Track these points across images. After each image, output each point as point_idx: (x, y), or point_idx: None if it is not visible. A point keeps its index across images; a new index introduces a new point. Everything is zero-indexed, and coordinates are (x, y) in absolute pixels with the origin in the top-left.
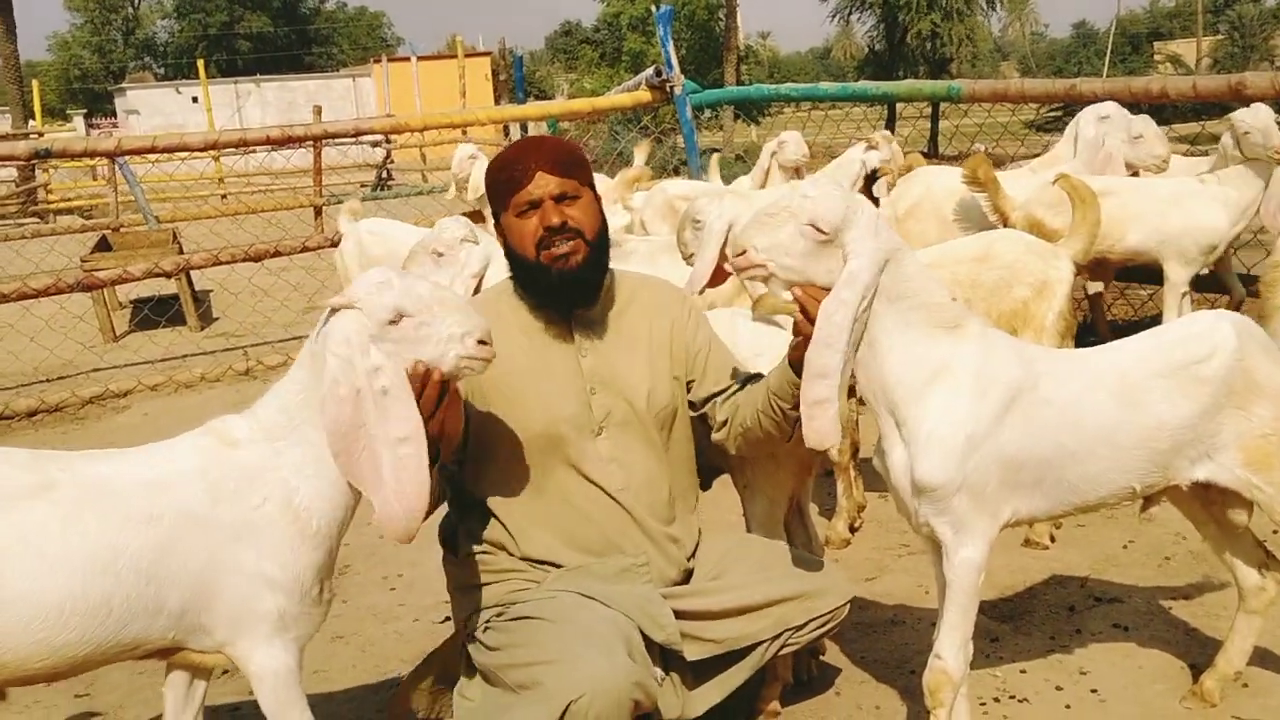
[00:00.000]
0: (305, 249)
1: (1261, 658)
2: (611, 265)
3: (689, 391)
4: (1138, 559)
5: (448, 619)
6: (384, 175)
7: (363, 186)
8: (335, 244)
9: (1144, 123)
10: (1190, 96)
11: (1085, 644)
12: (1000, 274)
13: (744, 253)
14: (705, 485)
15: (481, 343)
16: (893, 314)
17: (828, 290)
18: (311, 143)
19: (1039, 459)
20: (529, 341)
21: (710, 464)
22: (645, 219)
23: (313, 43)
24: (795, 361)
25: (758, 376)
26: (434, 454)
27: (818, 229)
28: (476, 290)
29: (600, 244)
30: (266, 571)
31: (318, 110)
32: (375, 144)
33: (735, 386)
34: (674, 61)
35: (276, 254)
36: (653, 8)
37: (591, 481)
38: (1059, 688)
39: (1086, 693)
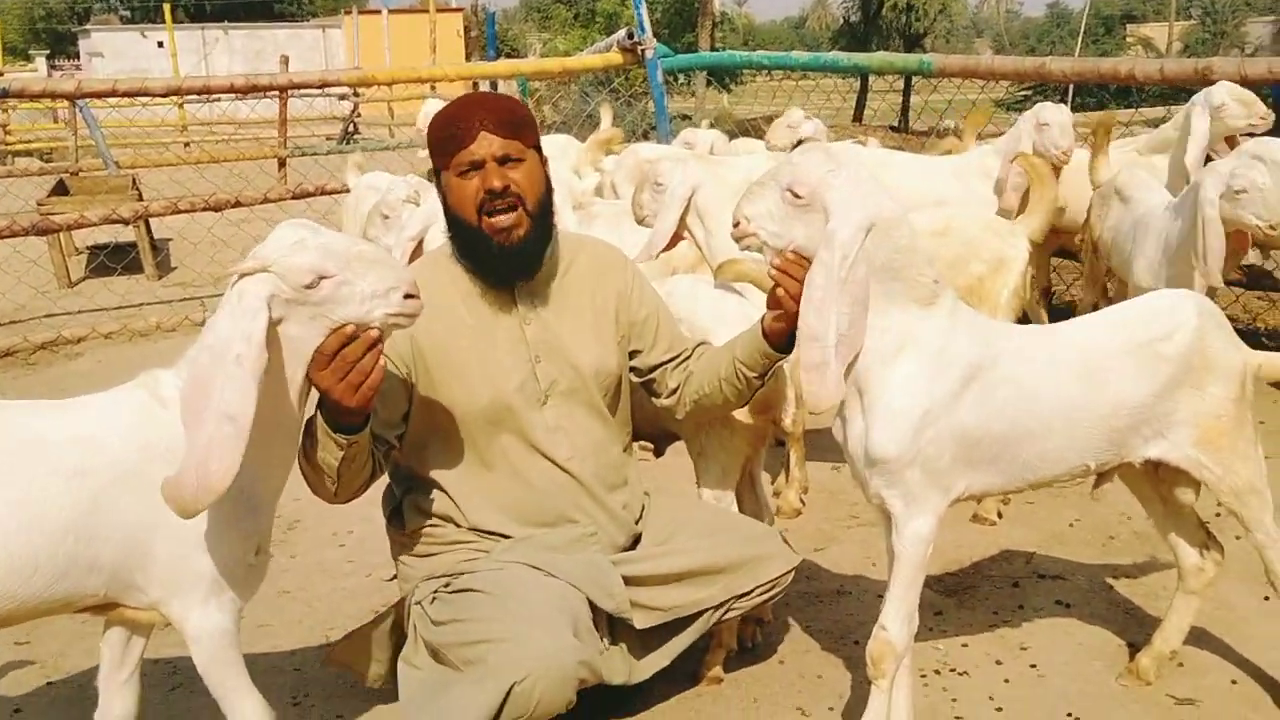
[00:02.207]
0: (267, 200)
1: (1197, 638)
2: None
3: (634, 358)
4: (1083, 537)
5: (395, 577)
6: (350, 129)
7: (328, 139)
8: (298, 196)
9: (1055, 111)
10: (1158, 80)
11: (1027, 619)
12: (958, 250)
13: (738, 223)
14: (658, 452)
15: (409, 296)
16: (873, 283)
17: (810, 259)
18: (277, 93)
19: (996, 436)
20: (471, 311)
21: (664, 430)
22: (616, 182)
23: None
24: (770, 332)
25: (704, 344)
26: (363, 421)
27: (794, 193)
28: (416, 254)
29: (543, 212)
30: (198, 533)
31: (284, 60)
32: (342, 97)
33: (685, 354)
34: (646, 25)
35: (237, 204)
36: None
37: (538, 451)
38: (999, 661)
39: (1026, 668)
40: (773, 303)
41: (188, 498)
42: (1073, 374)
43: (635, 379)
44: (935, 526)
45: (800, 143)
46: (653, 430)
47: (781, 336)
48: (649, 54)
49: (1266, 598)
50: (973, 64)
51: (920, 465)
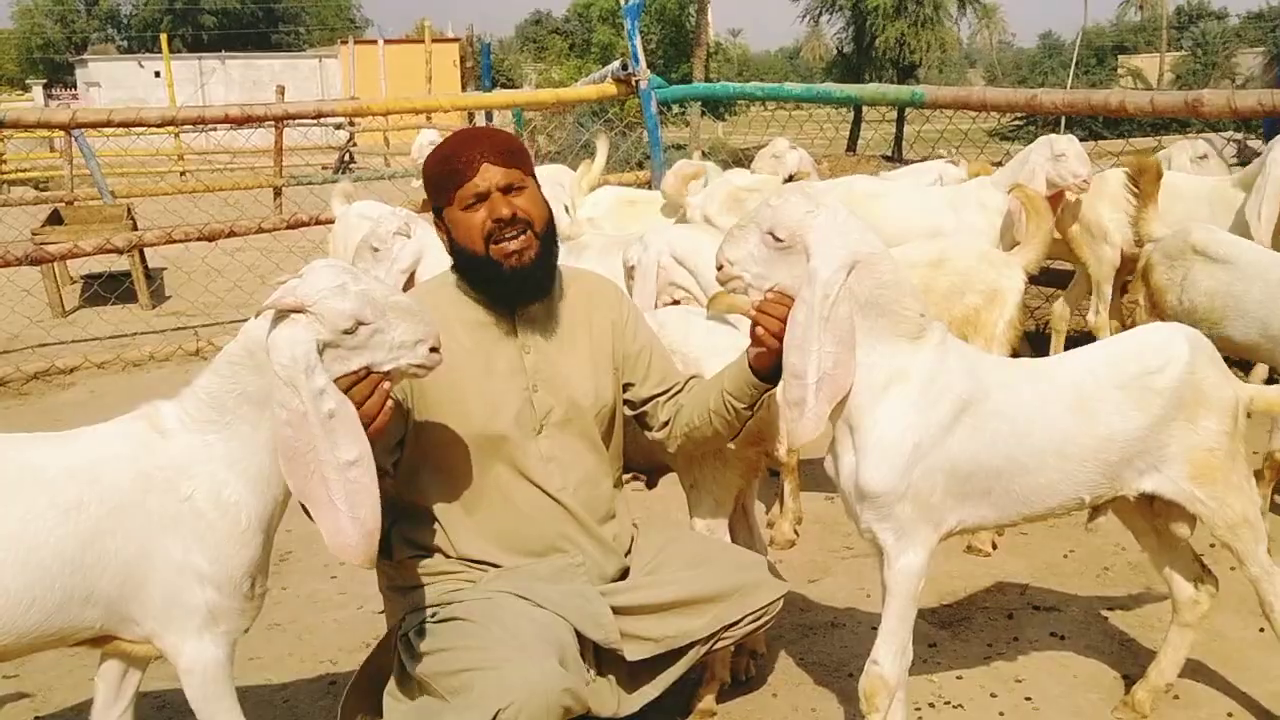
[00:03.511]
0: (261, 230)
1: (1193, 670)
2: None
3: (627, 391)
4: (1077, 569)
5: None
6: (346, 158)
7: (324, 169)
8: (293, 226)
9: (1068, 142)
10: (1148, 112)
11: (1022, 651)
12: (953, 280)
13: (721, 266)
14: (651, 484)
15: (433, 350)
16: (857, 319)
17: (791, 297)
18: (272, 123)
19: (988, 470)
20: (471, 338)
21: (656, 463)
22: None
23: (280, 21)
24: (755, 365)
25: (695, 377)
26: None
27: (775, 235)
28: (407, 286)
29: (549, 235)
30: (195, 564)
31: (280, 90)
32: (338, 126)
33: (676, 387)
34: (640, 56)
35: (232, 234)
36: (623, 0)
37: (531, 481)
38: (994, 694)
39: (1021, 700)
40: (754, 337)
41: (358, 549)
42: (1065, 407)
43: (628, 411)
44: (927, 560)
45: (791, 177)
46: (645, 462)
47: (767, 368)
48: (643, 85)
49: (1261, 630)
50: (964, 95)
51: (911, 499)
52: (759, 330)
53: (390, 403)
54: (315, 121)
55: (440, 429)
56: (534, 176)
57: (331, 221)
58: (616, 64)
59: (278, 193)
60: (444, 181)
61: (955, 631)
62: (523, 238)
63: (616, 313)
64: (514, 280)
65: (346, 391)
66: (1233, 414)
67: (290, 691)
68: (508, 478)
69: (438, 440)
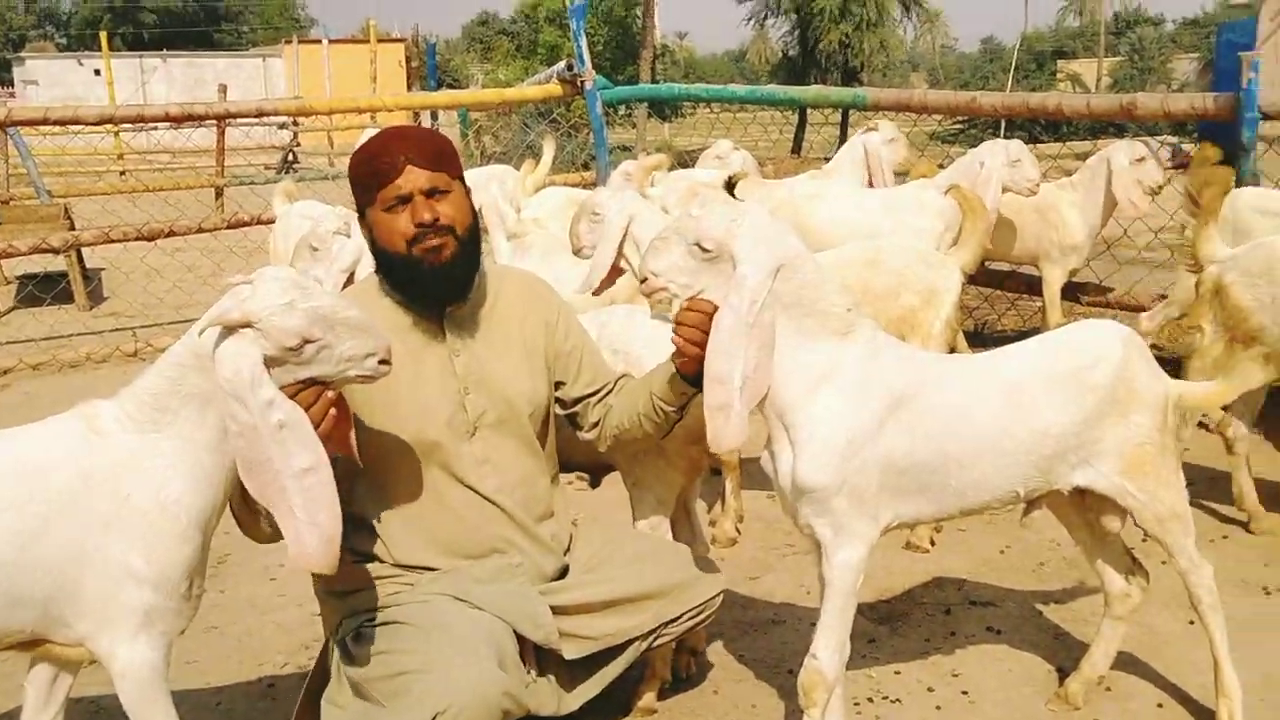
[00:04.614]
0: (201, 230)
1: (1124, 663)
2: (491, 259)
3: (558, 390)
4: (1014, 564)
5: None
6: (289, 158)
7: (267, 169)
8: (233, 226)
9: (1020, 147)
10: (1085, 115)
11: (959, 646)
12: (889, 280)
13: (646, 279)
14: (594, 483)
15: (382, 362)
16: (786, 320)
17: (711, 304)
18: (214, 122)
19: (923, 464)
20: (400, 343)
21: (599, 462)
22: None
23: (222, 20)
24: (681, 370)
25: (625, 376)
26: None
27: (702, 247)
28: (347, 285)
29: (471, 239)
30: (133, 565)
31: (222, 89)
32: (282, 126)
33: (607, 388)
34: (586, 57)
35: (171, 234)
36: (569, 1)
37: (466, 484)
38: (931, 689)
39: (957, 694)
40: (677, 345)
41: (318, 556)
42: (1000, 402)
43: (560, 411)
44: (866, 555)
45: (732, 181)
46: (588, 461)
47: (693, 372)
48: (588, 85)
49: (1191, 622)
50: (906, 98)
51: (848, 494)
52: (678, 339)
53: (332, 411)
54: (257, 121)
55: (373, 435)
56: (462, 180)
57: (273, 221)
58: (562, 65)
59: (219, 192)
60: (367, 181)
61: (894, 627)
62: (443, 238)
63: (548, 312)
64: (433, 278)
65: (290, 396)
66: (1163, 410)
67: (227, 695)
68: (443, 482)
69: (371, 447)
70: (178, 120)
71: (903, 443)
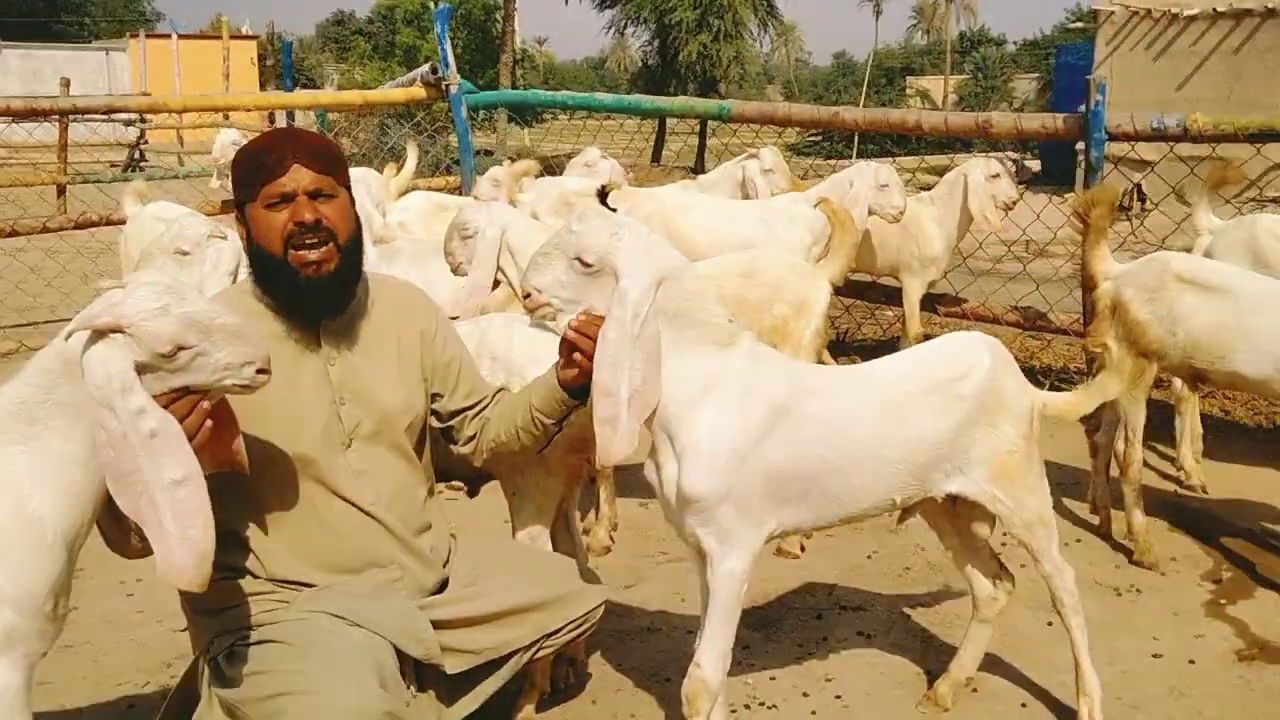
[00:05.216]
0: (46, 229)
1: (989, 664)
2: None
3: (434, 402)
4: (881, 569)
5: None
6: (136, 156)
7: (113, 166)
8: (80, 226)
9: (889, 172)
10: (943, 131)
11: (832, 650)
12: (763, 291)
13: (529, 295)
14: (472, 492)
15: (260, 371)
16: (668, 331)
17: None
18: (58, 117)
19: (804, 472)
20: (274, 351)
21: (477, 470)
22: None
23: (63, 10)
24: (564, 382)
25: (502, 390)
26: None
27: (583, 261)
28: None
29: (353, 249)
30: None
31: (65, 83)
32: (129, 123)
33: (484, 402)
34: (450, 59)
35: (14, 234)
36: (430, 3)
37: (342, 497)
38: (806, 694)
39: (831, 699)
40: (565, 358)
41: (190, 571)
42: (878, 412)
43: (435, 424)
44: (750, 563)
45: (604, 190)
46: (466, 470)
47: (578, 385)
48: (453, 89)
49: (1050, 623)
50: (769, 110)
51: (732, 503)
52: (575, 353)
53: (208, 423)
54: (105, 117)
55: (245, 446)
56: (349, 189)
57: (123, 222)
58: (426, 68)
59: (61, 190)
60: (251, 176)
61: (767, 633)
62: (324, 249)
63: (426, 322)
64: (309, 291)
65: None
66: (1029, 419)
67: (86, 717)
68: (318, 494)
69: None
70: (21, 115)
71: (785, 451)
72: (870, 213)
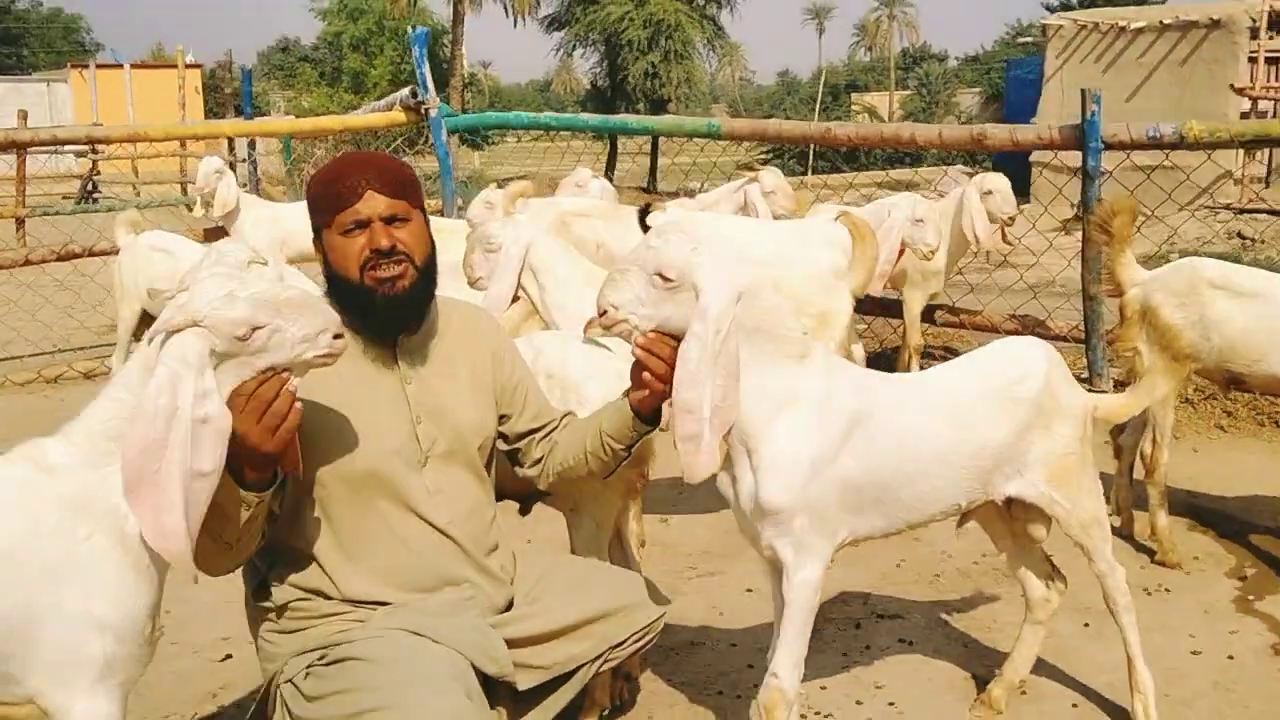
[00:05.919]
0: (29, 262)
1: (1035, 666)
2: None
3: (503, 424)
4: (911, 577)
5: (229, 657)
6: (89, 187)
7: (65, 199)
8: (64, 258)
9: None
10: (937, 145)
11: (877, 658)
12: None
13: (604, 312)
14: (524, 510)
15: (337, 336)
16: (746, 346)
17: (671, 335)
18: (15, 149)
19: (878, 481)
20: (351, 369)
21: (529, 489)
22: None
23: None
24: (636, 406)
25: (570, 414)
26: (270, 477)
27: (664, 277)
28: None
29: (429, 269)
30: (95, 612)
31: (23, 115)
32: (80, 154)
33: (552, 424)
34: (429, 83)
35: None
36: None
37: (418, 515)
38: (859, 702)
39: (885, 705)
40: (637, 381)
41: (182, 549)
42: (944, 419)
43: (502, 446)
44: (823, 572)
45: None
46: (518, 488)
47: (649, 410)
48: (433, 113)
49: (1086, 624)
50: (761, 127)
51: (808, 513)
52: (645, 374)
53: (298, 404)
54: (52, 149)
55: (321, 465)
56: (423, 210)
57: (109, 253)
58: (406, 91)
59: (20, 223)
60: (326, 203)
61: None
62: (400, 267)
63: (495, 344)
64: (386, 308)
65: (253, 391)
66: (1083, 421)
67: None
68: (394, 513)
69: (320, 477)
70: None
71: (860, 461)
72: (904, 246)
